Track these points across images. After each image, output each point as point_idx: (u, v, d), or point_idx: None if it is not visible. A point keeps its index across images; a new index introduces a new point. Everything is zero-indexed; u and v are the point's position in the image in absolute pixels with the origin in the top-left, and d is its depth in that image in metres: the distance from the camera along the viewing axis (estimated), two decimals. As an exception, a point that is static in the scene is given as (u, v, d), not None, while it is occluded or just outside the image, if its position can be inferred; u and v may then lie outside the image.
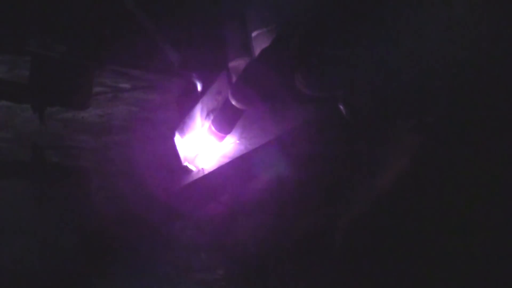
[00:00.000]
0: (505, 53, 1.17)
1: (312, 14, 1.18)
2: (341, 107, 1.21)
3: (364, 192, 1.26)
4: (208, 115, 1.37)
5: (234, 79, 1.39)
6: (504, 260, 1.10)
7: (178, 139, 1.26)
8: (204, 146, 1.37)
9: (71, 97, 1.40)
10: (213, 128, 1.32)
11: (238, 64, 1.38)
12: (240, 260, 1.13)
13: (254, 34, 1.33)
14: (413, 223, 1.17)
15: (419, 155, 1.25)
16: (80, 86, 1.40)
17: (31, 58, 1.39)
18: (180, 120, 1.28)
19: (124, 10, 1.38)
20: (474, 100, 1.19)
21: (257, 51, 1.33)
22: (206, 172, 1.31)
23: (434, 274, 1.08)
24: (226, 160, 1.33)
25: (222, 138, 1.34)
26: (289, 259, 1.13)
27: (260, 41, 1.31)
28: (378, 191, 1.26)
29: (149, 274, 1.09)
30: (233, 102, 1.28)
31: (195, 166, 1.32)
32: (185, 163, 1.30)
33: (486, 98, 1.19)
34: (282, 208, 1.25)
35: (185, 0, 1.44)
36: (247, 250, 1.15)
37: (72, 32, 1.37)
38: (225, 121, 1.31)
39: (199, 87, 1.38)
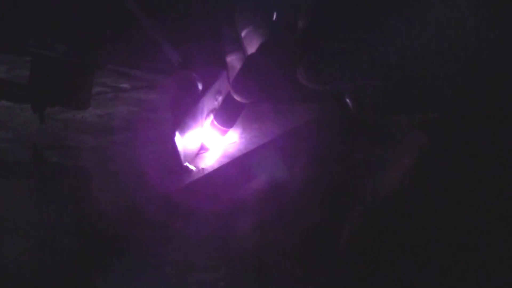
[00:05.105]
0: (509, 49, 1.17)
1: (312, 7, 1.18)
2: (348, 100, 1.21)
3: (367, 192, 1.26)
4: (208, 114, 1.37)
5: (229, 74, 1.39)
6: (506, 261, 1.10)
7: (178, 138, 1.27)
8: (204, 145, 1.37)
9: (71, 97, 1.40)
10: (215, 123, 1.33)
11: (231, 59, 1.39)
12: (241, 260, 1.13)
13: (243, 33, 1.34)
14: (417, 223, 1.17)
15: (422, 153, 1.25)
16: (80, 86, 1.40)
17: (31, 58, 1.39)
18: (180, 120, 1.28)
19: (124, 10, 1.38)
20: (478, 97, 1.19)
21: (248, 49, 1.33)
22: (206, 172, 1.31)
23: (438, 274, 1.08)
24: (226, 160, 1.34)
25: (224, 132, 1.34)
26: (290, 259, 1.12)
27: (249, 40, 1.31)
28: (381, 190, 1.25)
29: (149, 274, 1.09)
30: (234, 96, 1.28)
31: (195, 166, 1.32)
32: (186, 163, 1.31)
33: (490, 94, 1.18)
34: (283, 208, 1.25)
35: (185, 0, 1.44)
36: (248, 250, 1.15)
37: (72, 32, 1.37)
38: (227, 115, 1.32)
39: (199, 87, 1.38)
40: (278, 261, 1.12)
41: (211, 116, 1.36)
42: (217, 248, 1.15)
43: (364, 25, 1.17)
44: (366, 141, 1.34)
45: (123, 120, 1.53)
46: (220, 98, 1.39)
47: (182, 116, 1.29)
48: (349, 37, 1.18)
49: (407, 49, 1.17)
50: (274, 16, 1.26)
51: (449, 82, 1.18)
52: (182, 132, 1.27)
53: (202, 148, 1.37)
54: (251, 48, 1.30)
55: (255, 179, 1.32)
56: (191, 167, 1.31)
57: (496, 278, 1.07)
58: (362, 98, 1.21)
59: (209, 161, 1.33)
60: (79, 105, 1.42)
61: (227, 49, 1.39)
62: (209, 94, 1.37)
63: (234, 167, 1.33)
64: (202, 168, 1.32)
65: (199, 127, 1.34)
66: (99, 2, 1.37)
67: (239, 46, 1.37)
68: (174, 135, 1.26)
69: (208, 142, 1.37)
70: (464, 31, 1.16)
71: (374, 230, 1.18)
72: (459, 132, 1.24)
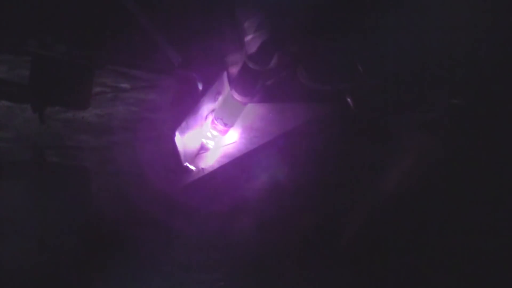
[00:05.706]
0: (508, 49, 1.17)
1: (313, 7, 1.18)
2: (348, 100, 1.21)
3: (367, 191, 1.26)
4: (208, 114, 1.37)
5: (232, 72, 1.39)
6: (507, 260, 1.10)
7: (178, 138, 1.27)
8: (204, 145, 1.37)
9: (71, 97, 1.40)
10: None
11: (234, 58, 1.39)
12: (240, 260, 1.13)
13: (247, 39, 1.34)
14: (417, 222, 1.17)
15: (423, 153, 1.25)
16: (80, 86, 1.40)
17: (31, 58, 1.39)
18: (180, 120, 1.28)
19: (124, 10, 1.38)
20: (477, 96, 1.19)
21: (249, 53, 1.34)
22: (206, 172, 1.31)
23: (438, 273, 1.08)
24: (226, 160, 1.34)
25: (225, 132, 1.34)
26: (290, 259, 1.13)
27: (253, 46, 1.32)
28: (381, 190, 1.25)
29: (149, 274, 1.09)
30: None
31: (195, 166, 1.32)
32: (186, 163, 1.30)
33: (490, 93, 1.19)
34: (283, 207, 1.25)
35: (185, 0, 1.44)
36: (248, 250, 1.15)
37: (72, 32, 1.37)
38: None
39: (199, 87, 1.38)
40: (278, 261, 1.12)
41: (211, 116, 1.36)
42: (217, 248, 1.15)
43: (364, 25, 1.17)
44: (367, 141, 1.35)
45: (123, 120, 1.53)
46: (220, 98, 1.39)
47: (182, 116, 1.29)
48: (349, 37, 1.18)
49: (408, 49, 1.17)
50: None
51: (449, 81, 1.18)
52: (182, 132, 1.27)
53: (202, 148, 1.37)
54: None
55: (255, 179, 1.32)
56: (191, 167, 1.31)
57: (496, 278, 1.07)
58: (362, 97, 1.21)
59: (209, 161, 1.33)
60: (79, 105, 1.42)
61: (229, 48, 1.39)
62: (209, 94, 1.37)
63: (234, 167, 1.33)
64: (202, 168, 1.32)
65: (199, 127, 1.34)
66: (99, 2, 1.37)
67: (239, 46, 1.37)
68: (174, 135, 1.26)
69: (208, 142, 1.37)
70: (464, 31, 1.16)
71: (374, 229, 1.18)
72: (459, 132, 1.24)
